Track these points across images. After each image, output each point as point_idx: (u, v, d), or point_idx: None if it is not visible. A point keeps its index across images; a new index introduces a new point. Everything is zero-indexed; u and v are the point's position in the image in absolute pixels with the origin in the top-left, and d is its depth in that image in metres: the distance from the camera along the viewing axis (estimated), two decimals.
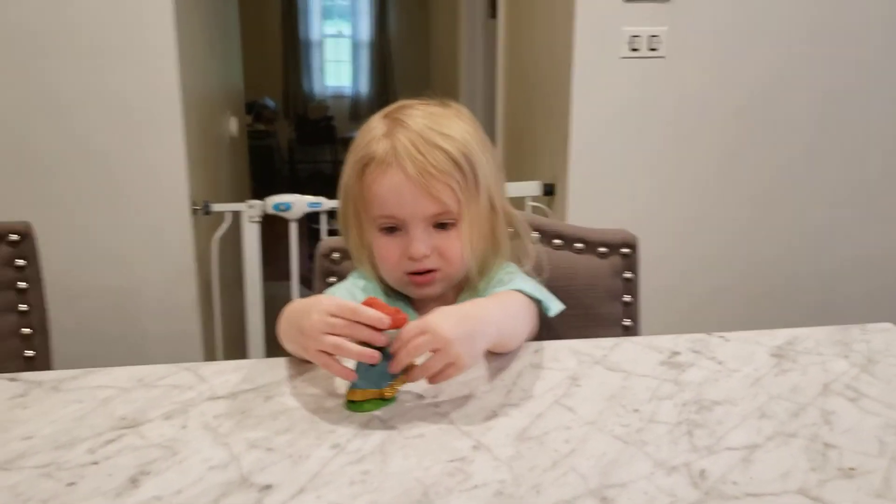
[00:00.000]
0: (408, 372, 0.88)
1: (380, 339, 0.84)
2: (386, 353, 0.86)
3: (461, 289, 1.15)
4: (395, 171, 1.04)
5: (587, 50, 2.32)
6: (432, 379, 0.87)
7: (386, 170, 1.05)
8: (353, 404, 0.87)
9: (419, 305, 1.15)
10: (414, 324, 0.86)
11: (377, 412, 0.86)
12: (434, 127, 1.05)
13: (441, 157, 1.03)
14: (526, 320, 1.05)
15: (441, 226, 1.07)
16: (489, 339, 0.93)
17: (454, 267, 1.09)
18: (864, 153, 2.51)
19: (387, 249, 1.09)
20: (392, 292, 1.15)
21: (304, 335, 0.87)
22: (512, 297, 1.05)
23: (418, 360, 0.87)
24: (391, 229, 1.08)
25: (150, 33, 2.15)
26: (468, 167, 1.05)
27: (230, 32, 3.76)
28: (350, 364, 0.87)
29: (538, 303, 1.09)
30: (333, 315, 0.85)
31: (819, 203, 2.53)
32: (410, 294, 1.13)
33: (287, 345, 0.98)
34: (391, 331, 0.85)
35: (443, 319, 0.86)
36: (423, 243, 1.06)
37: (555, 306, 1.12)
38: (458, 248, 1.08)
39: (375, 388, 0.87)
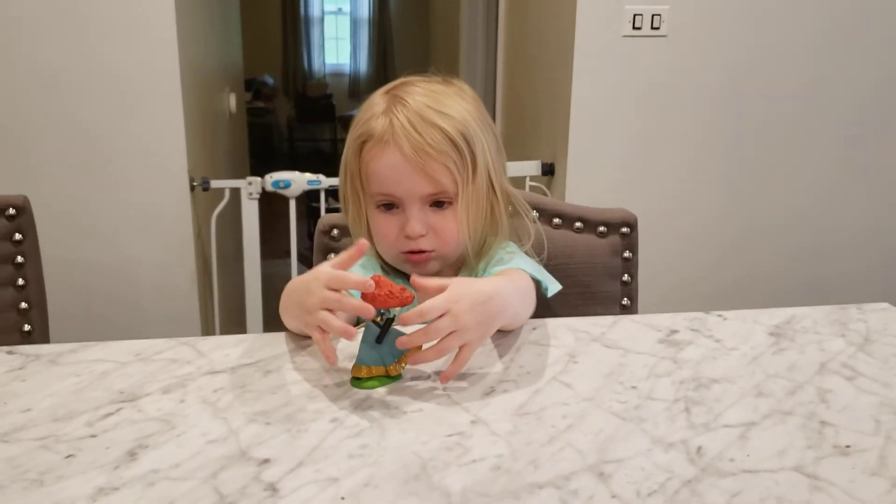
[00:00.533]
0: (414, 349, 0.88)
1: (370, 312, 0.83)
2: (392, 330, 0.86)
3: (459, 267, 1.15)
4: (392, 150, 1.04)
5: (589, 28, 2.31)
6: (446, 374, 0.87)
7: (384, 148, 1.05)
8: (357, 381, 0.87)
9: None
10: (437, 303, 0.84)
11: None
12: (433, 105, 1.04)
13: (438, 137, 1.03)
14: (531, 301, 1.05)
15: (438, 204, 1.07)
16: (503, 322, 0.94)
17: (450, 247, 1.09)
18: (859, 131, 2.51)
19: (384, 227, 1.09)
20: (390, 269, 1.15)
21: (304, 311, 0.87)
22: (522, 278, 1.05)
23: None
24: (389, 206, 1.08)
25: (149, 8, 2.13)
26: (466, 147, 1.05)
27: (230, 8, 3.74)
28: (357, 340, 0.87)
29: (537, 283, 1.09)
30: (327, 287, 0.85)
31: (816, 179, 2.53)
32: (407, 271, 1.14)
33: (289, 321, 0.98)
34: (396, 309, 0.85)
35: (464, 302, 0.85)
36: (419, 222, 1.06)
37: (553, 287, 1.12)
38: (454, 228, 1.08)
39: (381, 365, 0.87)
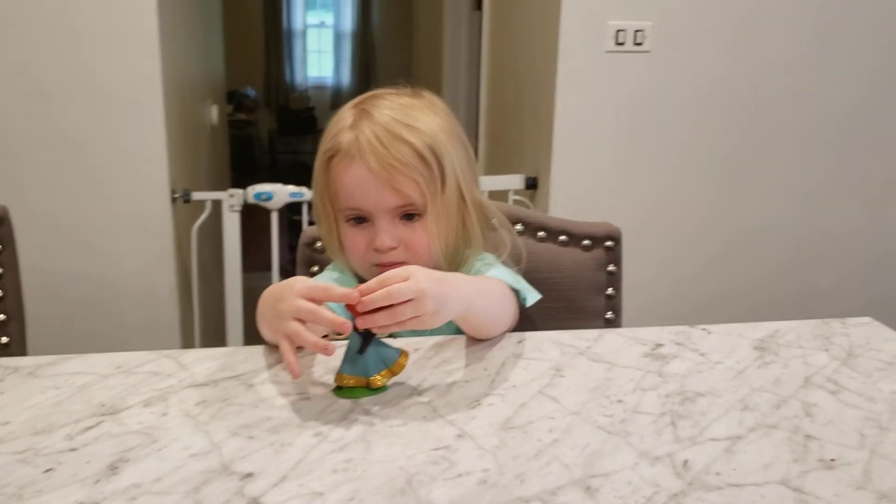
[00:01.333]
0: (400, 361, 0.88)
1: (346, 327, 0.83)
2: (374, 341, 0.85)
3: None
4: (358, 164, 1.04)
5: (572, 43, 2.32)
6: (391, 326, 0.85)
7: (350, 162, 1.05)
8: (339, 390, 0.86)
9: None
10: (397, 270, 0.85)
11: (361, 399, 0.86)
12: (400, 119, 1.04)
13: (405, 151, 1.03)
14: (503, 306, 1.05)
15: (408, 217, 1.07)
16: (460, 306, 0.93)
17: (421, 259, 1.09)
18: (841, 141, 2.53)
19: (354, 240, 1.09)
20: (363, 282, 1.14)
21: (277, 318, 0.87)
22: (490, 282, 1.05)
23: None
24: (359, 220, 1.08)
25: (132, 19, 2.13)
26: (433, 160, 1.04)
27: (212, 20, 3.73)
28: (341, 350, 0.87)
29: (516, 293, 1.09)
30: (304, 297, 0.84)
31: (798, 189, 2.55)
32: None
33: (263, 329, 0.97)
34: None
35: (423, 273, 0.86)
36: (388, 235, 1.06)
37: (531, 296, 1.12)
38: (425, 241, 1.07)
39: (363, 376, 0.86)
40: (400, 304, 0.83)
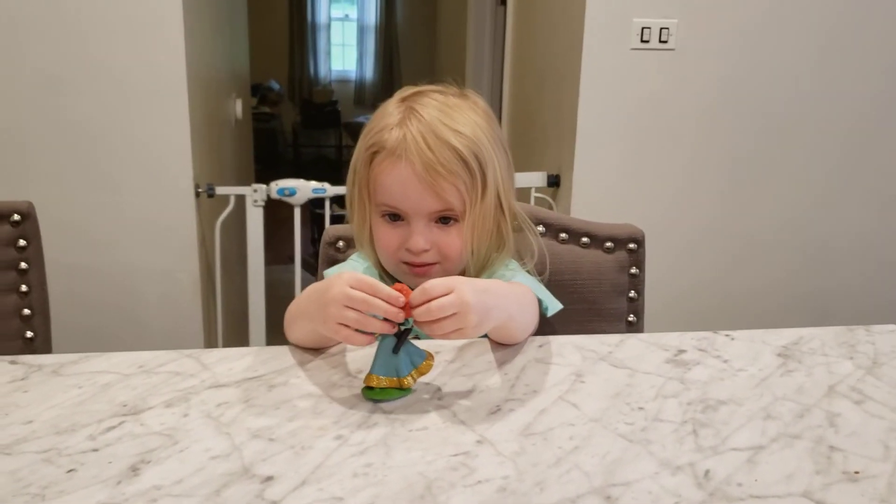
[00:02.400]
0: (427, 362, 0.88)
1: (398, 316, 0.83)
2: (408, 341, 0.86)
3: None
4: (403, 165, 1.03)
5: (597, 40, 2.30)
6: (436, 335, 0.85)
7: (395, 162, 1.04)
8: (370, 391, 0.86)
9: None
10: (440, 281, 0.84)
11: (382, 403, 0.86)
12: (446, 121, 1.03)
13: (450, 156, 1.02)
14: (532, 314, 1.05)
15: (444, 220, 1.07)
16: (501, 318, 0.93)
17: (452, 263, 1.09)
18: (862, 140, 2.50)
19: (387, 237, 1.09)
20: (389, 277, 1.14)
21: (325, 308, 0.86)
22: (523, 288, 1.05)
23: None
24: (394, 217, 1.08)
25: (157, 12, 2.13)
26: (477, 166, 1.04)
27: (237, 14, 3.74)
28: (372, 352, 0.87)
29: (538, 301, 1.09)
30: (353, 287, 0.83)
31: (822, 189, 2.52)
32: (407, 282, 1.13)
33: (299, 324, 0.97)
34: (410, 318, 0.85)
35: (467, 285, 0.85)
36: (423, 237, 1.06)
37: (553, 307, 1.11)
38: (459, 246, 1.07)
39: (395, 377, 0.86)
40: (443, 318, 0.83)
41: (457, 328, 0.84)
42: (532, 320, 1.05)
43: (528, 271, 1.16)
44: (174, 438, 0.78)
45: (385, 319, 0.83)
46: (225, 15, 3.21)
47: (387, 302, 0.82)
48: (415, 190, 1.03)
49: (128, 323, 2.31)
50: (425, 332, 0.85)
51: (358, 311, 0.83)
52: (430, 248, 1.07)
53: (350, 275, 0.85)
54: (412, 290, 1.14)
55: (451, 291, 0.83)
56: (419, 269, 1.09)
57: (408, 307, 0.83)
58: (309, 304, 0.93)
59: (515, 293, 1.01)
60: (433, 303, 0.83)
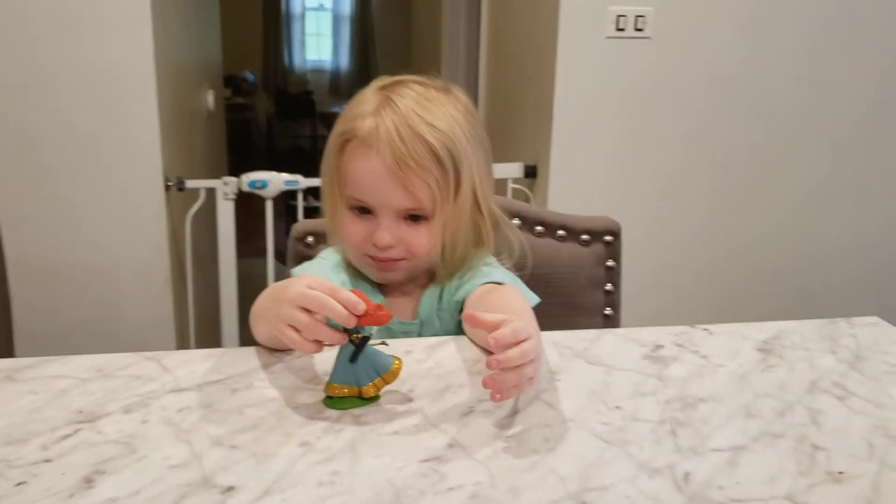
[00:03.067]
0: (393, 370, 0.83)
1: (349, 321, 0.78)
2: (367, 348, 0.82)
3: (430, 279, 1.12)
4: (373, 156, 0.99)
5: (572, 29, 2.27)
6: (512, 391, 0.79)
7: (366, 152, 1.00)
8: (330, 400, 0.83)
9: (385, 290, 1.12)
10: (522, 324, 0.78)
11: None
12: (422, 114, 0.99)
13: (422, 150, 0.98)
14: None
15: (413, 217, 1.03)
16: None
17: (419, 260, 1.06)
18: (849, 137, 2.50)
19: (353, 229, 1.05)
20: (357, 272, 1.11)
21: (278, 308, 0.82)
22: (520, 297, 1.02)
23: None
24: (362, 210, 1.04)
25: (123, 4, 2.08)
26: (450, 163, 1.00)
27: (209, 5, 3.68)
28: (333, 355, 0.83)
29: None
30: (311, 287, 0.79)
31: (804, 186, 2.52)
32: (370, 276, 1.10)
33: (260, 325, 0.93)
34: (371, 327, 0.80)
35: (537, 334, 0.81)
36: (388, 233, 1.02)
37: (531, 301, 1.08)
38: (427, 244, 1.04)
39: (354, 386, 0.82)
40: (526, 364, 0.77)
41: (532, 374, 0.79)
42: None
43: (507, 267, 1.13)
44: (132, 447, 0.74)
45: (342, 330, 0.79)
46: (195, 6, 3.15)
47: (345, 307, 0.77)
48: (384, 184, 1.00)
49: (99, 319, 2.26)
50: (512, 382, 0.77)
51: (311, 314, 0.79)
52: (397, 245, 1.03)
53: (311, 276, 0.82)
54: (375, 285, 1.10)
55: (531, 337, 0.77)
56: (383, 264, 1.05)
57: (368, 316, 0.78)
58: (265, 303, 0.90)
59: (528, 311, 0.96)
60: (519, 348, 0.76)
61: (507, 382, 0.77)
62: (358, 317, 0.78)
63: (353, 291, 0.79)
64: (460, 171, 1.01)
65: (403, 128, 0.98)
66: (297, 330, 0.80)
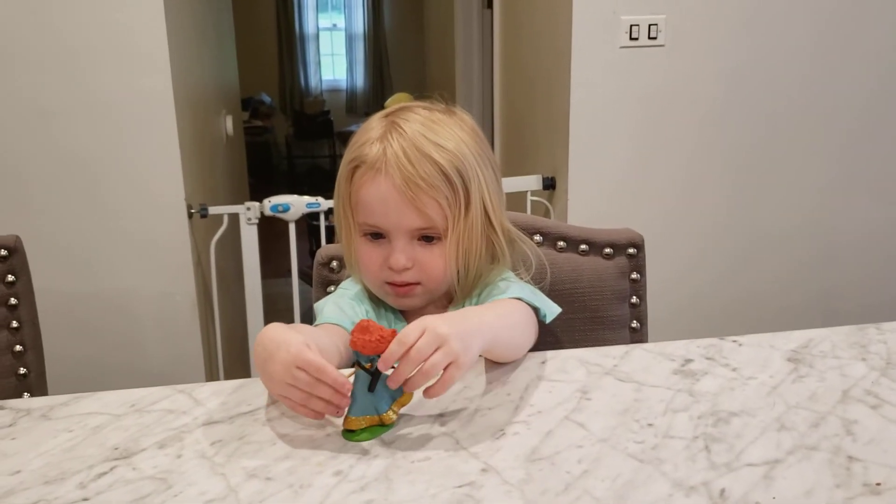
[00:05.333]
0: (405, 391, 0.84)
1: (343, 402, 0.81)
2: (383, 376, 0.82)
3: (449, 301, 1.12)
4: (382, 179, 1.00)
5: (586, 39, 2.27)
6: (432, 390, 0.82)
7: (374, 176, 1.01)
8: (350, 433, 0.83)
9: (409, 316, 1.13)
10: (411, 327, 0.81)
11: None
12: (429, 136, 1.01)
13: (431, 170, 0.99)
14: (526, 330, 1.02)
15: (426, 238, 1.04)
16: (484, 339, 0.89)
17: (434, 282, 1.06)
18: (860, 136, 2.47)
19: (368, 256, 1.06)
20: (378, 300, 1.12)
21: (268, 378, 0.85)
22: (510, 305, 1.02)
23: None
24: (375, 236, 1.05)
25: (141, 34, 2.11)
26: (459, 182, 1.01)
27: (224, 28, 3.71)
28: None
29: (535, 310, 1.06)
30: (299, 368, 0.80)
31: (820, 185, 2.49)
32: (390, 303, 1.10)
33: (258, 370, 0.94)
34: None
35: (437, 320, 0.83)
36: (403, 255, 1.03)
37: (550, 312, 1.09)
38: (441, 265, 1.04)
39: (374, 415, 0.83)
40: (428, 358, 0.80)
41: (447, 361, 0.81)
42: (528, 335, 1.02)
43: (525, 281, 1.13)
44: (168, 482, 0.75)
45: (357, 362, 0.81)
46: (211, 32, 3.18)
47: (332, 387, 0.80)
48: (395, 205, 1.00)
49: (126, 348, 2.28)
50: (421, 383, 0.81)
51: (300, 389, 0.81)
52: (412, 266, 1.04)
53: (298, 351, 0.81)
54: (398, 313, 1.11)
55: (423, 332, 0.81)
56: (401, 290, 1.06)
57: (376, 343, 0.80)
58: (258, 358, 0.88)
59: (497, 311, 0.98)
60: (411, 351, 0.80)
61: (416, 385, 0.81)
62: (373, 344, 0.79)
63: (362, 323, 0.80)
64: (469, 189, 1.02)
65: (411, 150, 1.00)
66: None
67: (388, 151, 1.00)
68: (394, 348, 0.80)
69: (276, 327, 0.88)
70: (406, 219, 1.01)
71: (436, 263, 1.04)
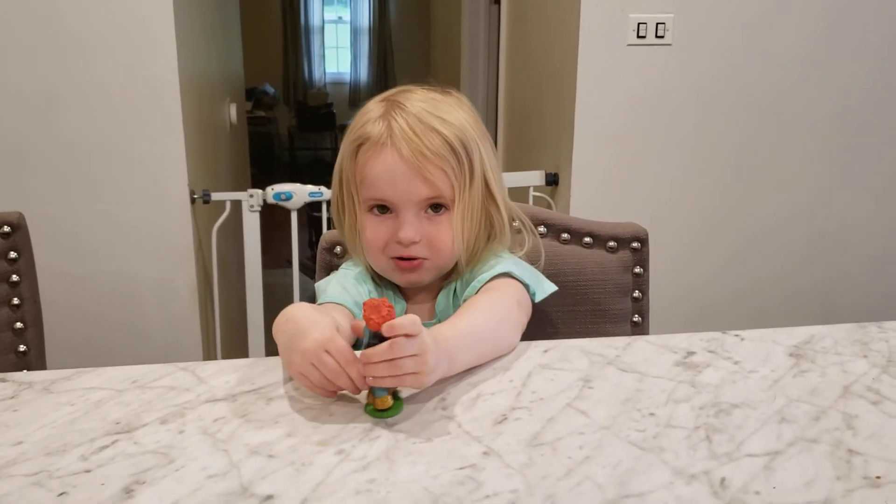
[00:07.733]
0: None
1: (359, 389, 0.83)
2: None
3: (447, 276, 1.12)
4: (389, 152, 1.01)
5: (593, 37, 2.28)
6: (379, 380, 0.81)
7: (381, 150, 1.02)
8: (375, 411, 0.82)
9: (408, 294, 1.14)
10: (407, 318, 0.80)
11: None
12: (432, 111, 1.03)
13: (437, 141, 1.01)
14: (513, 319, 1.02)
15: (434, 209, 1.04)
16: (461, 363, 0.91)
17: (443, 257, 1.06)
18: (877, 142, 2.47)
19: (374, 231, 1.06)
20: (380, 279, 1.12)
21: (290, 353, 0.85)
22: (494, 305, 1.01)
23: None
24: (382, 209, 1.05)
25: (148, 21, 2.11)
26: (464, 153, 1.02)
27: (230, 18, 3.71)
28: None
29: (525, 287, 1.06)
30: (328, 352, 0.81)
31: (818, 186, 2.50)
32: (395, 280, 1.10)
33: (278, 341, 0.94)
34: None
35: (426, 334, 0.82)
36: (413, 228, 1.03)
37: (540, 291, 1.09)
38: (449, 238, 1.05)
39: (387, 394, 0.83)
40: (402, 357, 0.79)
41: (415, 370, 0.80)
42: (516, 324, 1.02)
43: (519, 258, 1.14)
44: (169, 457, 0.75)
45: (378, 337, 0.81)
46: (217, 21, 3.18)
47: (352, 381, 0.82)
48: (403, 176, 1.01)
49: (125, 332, 2.28)
50: (381, 373, 0.80)
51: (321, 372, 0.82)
52: (421, 240, 1.04)
53: (332, 335, 0.82)
54: (399, 294, 1.11)
55: (415, 332, 0.80)
56: (408, 264, 1.06)
57: (386, 321, 0.80)
58: (283, 336, 0.89)
59: (477, 327, 0.96)
60: (394, 344, 0.79)
61: (378, 371, 0.80)
62: (384, 321, 0.79)
63: (370, 301, 0.80)
64: (472, 160, 1.03)
65: (416, 124, 1.01)
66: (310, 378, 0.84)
67: (393, 126, 1.02)
68: (385, 328, 0.79)
69: (306, 306, 0.90)
70: (414, 189, 1.02)
71: (444, 236, 1.04)
